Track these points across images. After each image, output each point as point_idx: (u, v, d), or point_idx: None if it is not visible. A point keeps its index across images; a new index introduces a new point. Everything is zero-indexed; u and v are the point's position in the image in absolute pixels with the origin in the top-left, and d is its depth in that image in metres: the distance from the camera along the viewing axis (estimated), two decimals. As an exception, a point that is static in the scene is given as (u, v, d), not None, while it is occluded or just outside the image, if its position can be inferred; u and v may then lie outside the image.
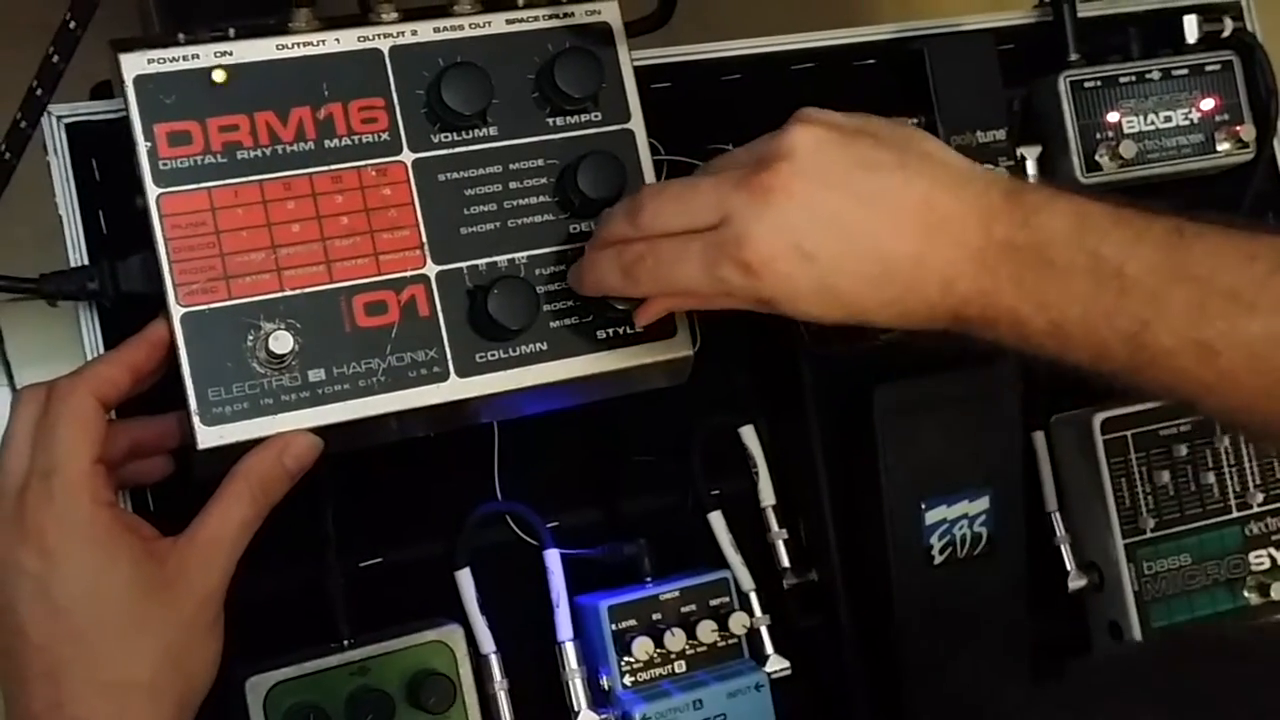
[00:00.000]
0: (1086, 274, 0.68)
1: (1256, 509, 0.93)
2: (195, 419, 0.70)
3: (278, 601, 0.79)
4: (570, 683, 0.83)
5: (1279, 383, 0.66)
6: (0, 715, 0.68)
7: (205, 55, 0.72)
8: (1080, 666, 0.88)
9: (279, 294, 0.72)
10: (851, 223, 0.69)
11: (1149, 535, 0.91)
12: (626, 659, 0.83)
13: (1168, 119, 0.93)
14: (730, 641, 0.85)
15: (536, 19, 0.78)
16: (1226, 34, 0.96)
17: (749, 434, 0.89)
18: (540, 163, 0.77)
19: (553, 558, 0.84)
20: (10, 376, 0.80)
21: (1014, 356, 0.88)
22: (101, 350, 0.76)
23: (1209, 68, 0.94)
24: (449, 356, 0.74)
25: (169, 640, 0.67)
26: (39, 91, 0.71)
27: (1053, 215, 0.69)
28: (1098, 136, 0.92)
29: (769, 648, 0.86)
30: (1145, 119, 0.93)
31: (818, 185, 0.69)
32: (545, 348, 0.76)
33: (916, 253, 0.69)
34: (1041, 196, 0.70)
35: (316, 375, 0.72)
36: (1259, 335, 0.66)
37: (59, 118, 0.76)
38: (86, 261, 0.76)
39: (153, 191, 0.71)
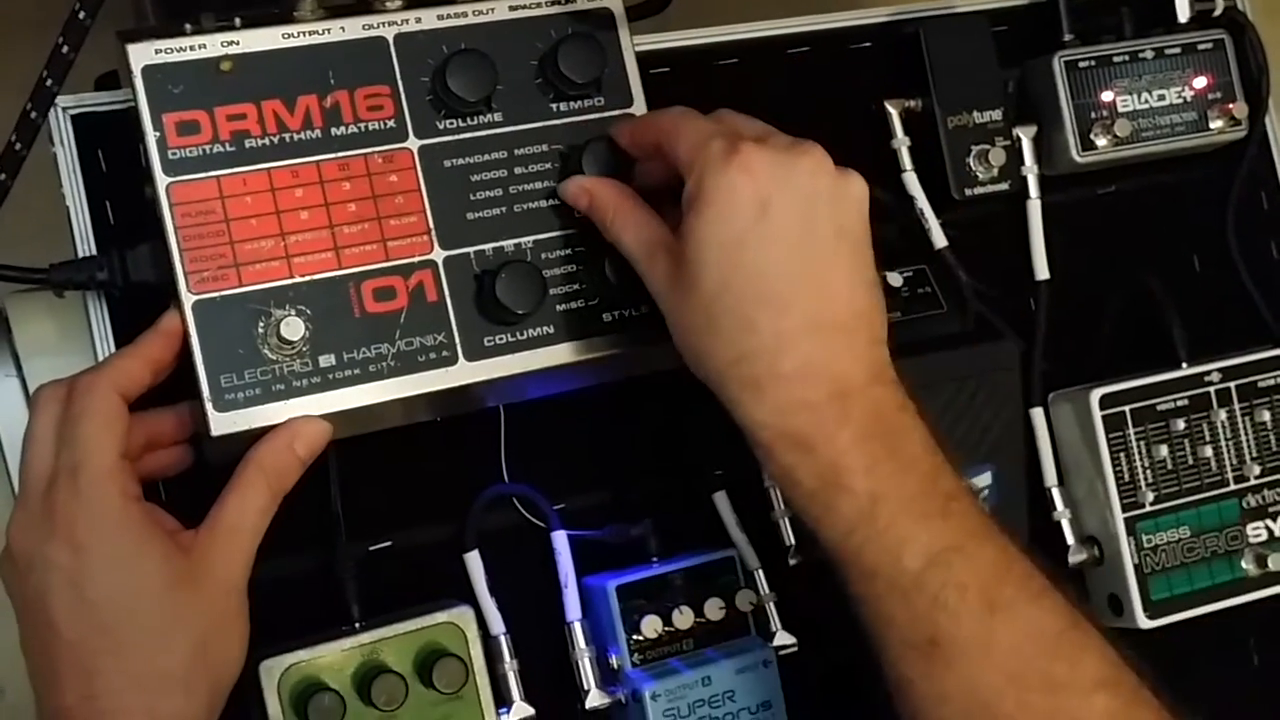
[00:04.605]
0: (924, 479, 0.69)
1: (1253, 481, 0.94)
2: (208, 405, 0.71)
3: (290, 586, 0.79)
4: (579, 662, 0.83)
5: (1029, 671, 0.67)
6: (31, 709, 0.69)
7: (212, 45, 0.73)
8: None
9: (289, 280, 0.73)
10: (809, 251, 0.70)
11: (1148, 509, 0.92)
12: (635, 638, 0.84)
13: (1161, 97, 0.94)
14: (737, 619, 0.86)
15: (539, 5, 0.78)
16: (1218, 13, 0.97)
17: (752, 414, 0.90)
18: (545, 148, 0.78)
19: (560, 539, 0.84)
20: (19, 367, 0.80)
21: (1013, 335, 0.91)
22: (110, 340, 0.77)
23: (1201, 46, 0.95)
24: (457, 341, 0.75)
25: (198, 631, 0.68)
26: (49, 82, 0.71)
27: (917, 420, 0.71)
28: (1093, 116, 0.93)
29: (775, 624, 0.87)
30: (1139, 98, 0.94)
31: (831, 207, 0.71)
32: (552, 331, 0.76)
33: (816, 324, 0.69)
34: (911, 403, 0.71)
35: (327, 361, 0.73)
36: (1038, 623, 0.68)
37: (64, 109, 0.77)
38: (94, 252, 0.77)
39: (162, 181, 0.72)
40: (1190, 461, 0.93)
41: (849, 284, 0.71)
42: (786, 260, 0.69)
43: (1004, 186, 0.92)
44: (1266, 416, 0.95)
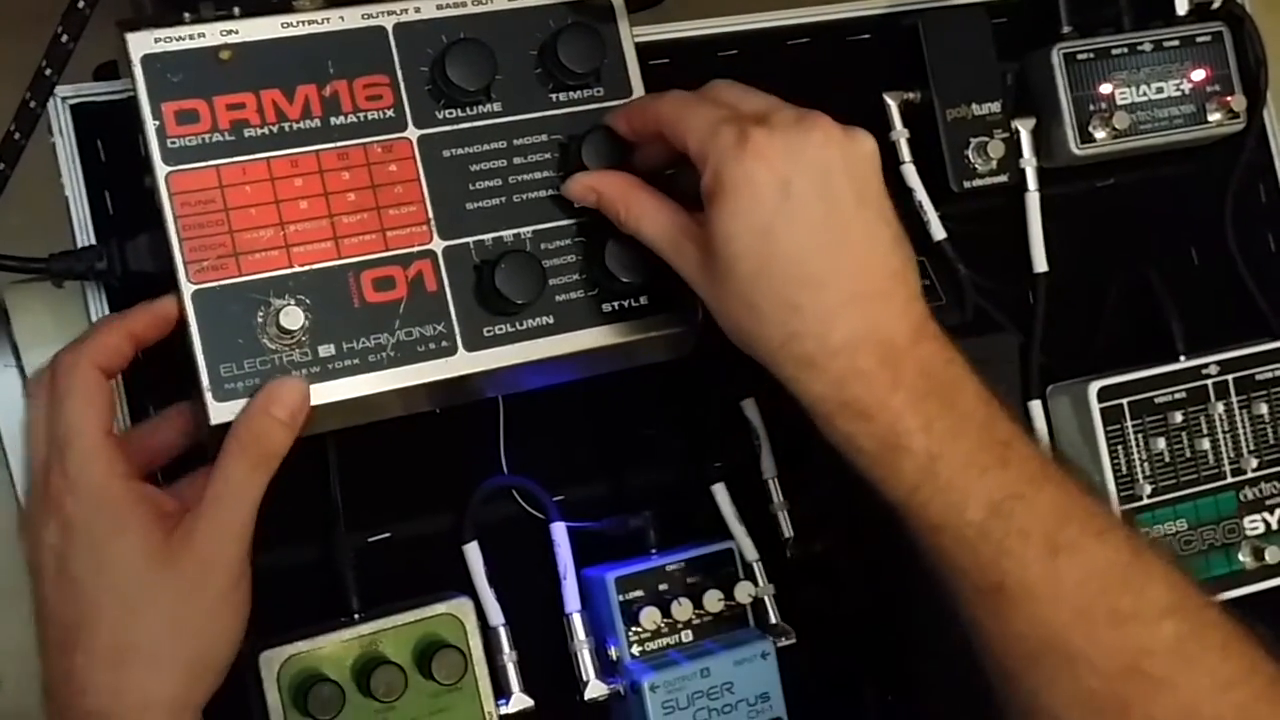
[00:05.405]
0: (980, 430, 0.70)
1: (1250, 474, 0.94)
2: (208, 395, 0.71)
3: (289, 577, 0.79)
4: (579, 653, 0.84)
5: (1095, 606, 0.69)
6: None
7: (211, 34, 0.73)
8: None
9: (288, 270, 0.72)
10: (835, 224, 0.70)
11: (1145, 501, 0.92)
12: (634, 629, 0.84)
13: (1160, 90, 0.94)
14: (736, 611, 0.86)
15: (538, -6, 0.78)
16: (1216, 5, 0.97)
17: (750, 407, 0.90)
18: (544, 138, 0.77)
19: (559, 531, 0.84)
20: (18, 358, 0.80)
21: (1011, 327, 0.91)
22: (111, 331, 0.77)
23: (1199, 39, 0.95)
24: (457, 331, 0.75)
25: (173, 607, 0.68)
26: (48, 71, 0.71)
27: (966, 370, 0.72)
28: (1091, 108, 0.93)
29: (774, 617, 0.87)
30: (1138, 90, 0.94)
31: (846, 176, 0.71)
32: (551, 321, 0.76)
33: (855, 294, 0.70)
34: (959, 353, 0.72)
35: (327, 350, 0.73)
36: (1101, 559, 0.70)
37: (64, 99, 0.77)
38: (93, 242, 0.77)
39: (161, 170, 0.71)
40: (1188, 454, 0.94)
41: (878, 247, 0.71)
42: (816, 238, 0.70)
43: (1002, 179, 0.92)
44: (1264, 409, 0.95)
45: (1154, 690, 0.68)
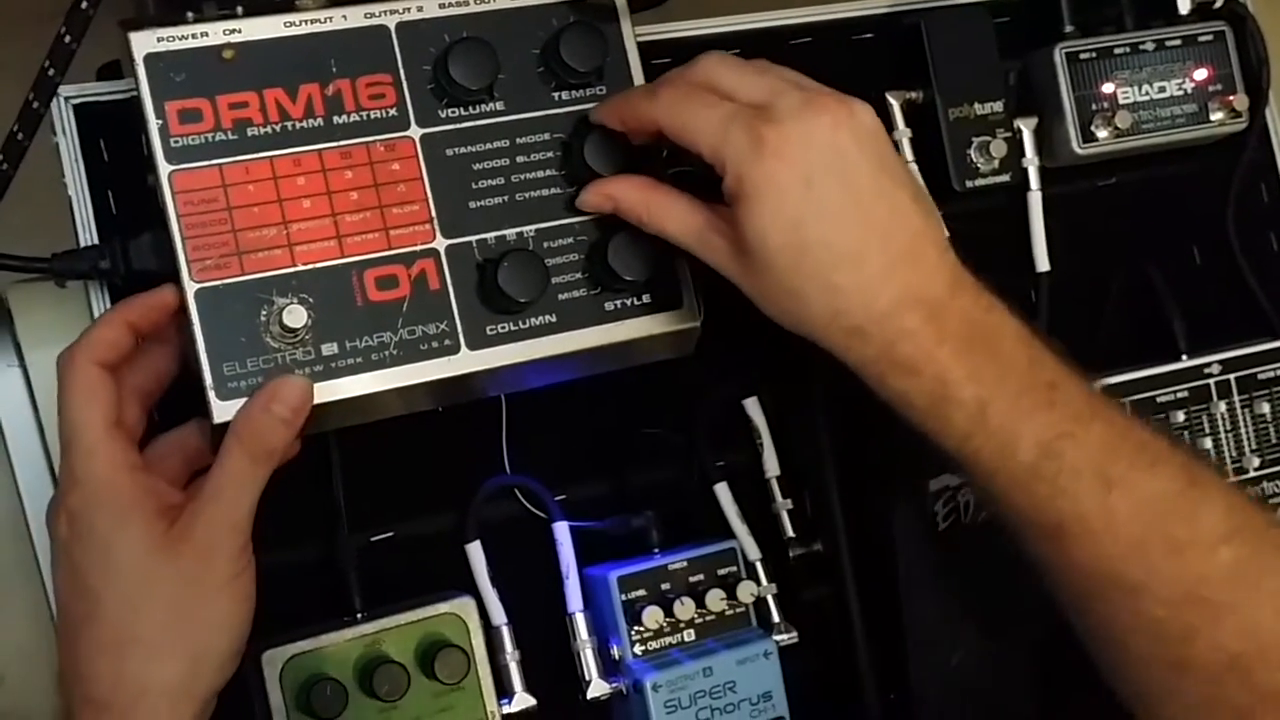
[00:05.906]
0: (1024, 373, 0.72)
1: (1253, 473, 0.94)
2: (211, 394, 0.71)
3: (291, 576, 0.79)
4: (581, 653, 0.84)
5: (1151, 537, 0.70)
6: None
7: (214, 33, 0.73)
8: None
9: (291, 269, 0.73)
10: (857, 202, 0.72)
11: (1148, 501, 0.92)
12: (636, 628, 0.84)
13: (1162, 89, 0.94)
14: (738, 610, 0.86)
15: (541, -7, 0.78)
16: (1218, 4, 0.97)
17: (753, 406, 0.90)
18: (546, 136, 0.78)
19: (562, 530, 0.84)
20: (21, 358, 0.80)
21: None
22: (114, 330, 0.77)
23: (1202, 38, 0.95)
24: (460, 329, 0.75)
25: (173, 598, 0.68)
26: (51, 71, 0.71)
27: (1006, 315, 0.74)
28: (1093, 107, 0.93)
29: (776, 616, 0.87)
30: (1140, 89, 0.94)
31: (858, 152, 0.72)
32: (554, 320, 0.76)
33: (890, 262, 0.72)
34: (997, 299, 0.74)
35: (330, 349, 0.73)
36: (1153, 490, 0.71)
37: (67, 98, 0.77)
38: (96, 241, 0.77)
39: (164, 169, 0.72)
40: (1190, 454, 0.94)
41: (901, 212, 0.73)
42: (844, 220, 0.71)
43: (1005, 178, 0.92)
44: (1266, 409, 0.95)
45: (1216, 615, 0.70)
